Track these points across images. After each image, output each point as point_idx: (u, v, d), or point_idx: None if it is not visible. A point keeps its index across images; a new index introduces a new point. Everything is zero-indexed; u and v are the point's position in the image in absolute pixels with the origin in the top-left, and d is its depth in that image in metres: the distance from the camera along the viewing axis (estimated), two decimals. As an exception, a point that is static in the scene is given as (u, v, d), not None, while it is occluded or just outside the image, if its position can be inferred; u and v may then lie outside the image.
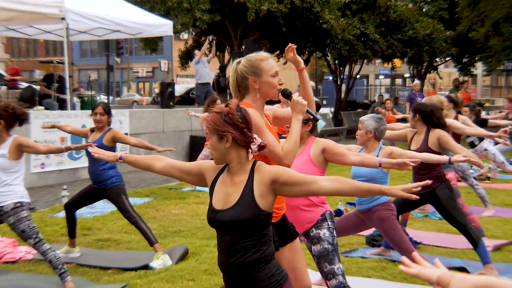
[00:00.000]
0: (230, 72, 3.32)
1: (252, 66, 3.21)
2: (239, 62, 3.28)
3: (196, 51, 16.24)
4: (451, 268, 5.29)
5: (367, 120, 4.81)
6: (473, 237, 5.17)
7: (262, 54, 3.30)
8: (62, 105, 12.07)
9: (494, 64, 19.00)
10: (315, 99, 3.63)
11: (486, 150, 8.26)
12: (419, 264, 1.68)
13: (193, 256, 5.94)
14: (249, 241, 2.63)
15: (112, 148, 5.70)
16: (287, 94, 3.31)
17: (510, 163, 10.41)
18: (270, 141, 3.08)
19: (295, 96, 3.25)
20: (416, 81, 18.23)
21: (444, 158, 4.62)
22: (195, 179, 2.90)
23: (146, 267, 5.52)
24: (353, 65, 25.15)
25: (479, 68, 28.83)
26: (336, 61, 24.89)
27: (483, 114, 10.22)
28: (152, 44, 20.87)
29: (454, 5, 20.71)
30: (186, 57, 22.91)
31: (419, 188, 2.62)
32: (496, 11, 17.47)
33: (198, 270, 5.41)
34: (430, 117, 5.25)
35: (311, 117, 3.37)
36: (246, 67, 3.22)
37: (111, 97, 33.47)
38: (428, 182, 2.77)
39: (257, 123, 3.07)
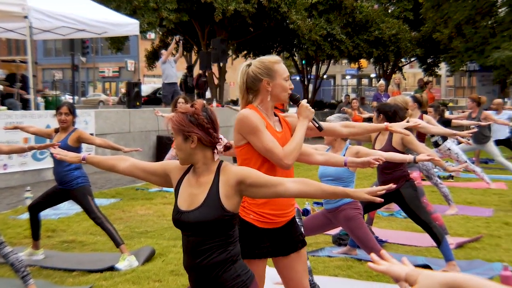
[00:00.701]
0: (239, 74, 3.25)
1: (266, 68, 3.19)
2: (249, 65, 3.25)
3: (163, 51, 16.14)
4: (416, 266, 5.36)
5: (334, 120, 4.84)
6: (437, 235, 5.24)
7: (275, 57, 3.28)
8: (25, 105, 11.84)
9: (457, 65, 19.33)
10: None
11: (449, 149, 8.41)
12: (387, 261, 1.70)
13: (159, 257, 5.90)
14: (215, 242, 2.62)
15: (77, 149, 5.62)
16: (295, 99, 3.31)
17: (473, 162, 10.62)
18: (268, 141, 3.07)
19: (304, 102, 3.27)
20: (382, 81, 18.45)
21: (409, 157, 4.68)
22: (160, 180, 2.88)
23: (111, 268, 5.46)
24: (320, 65, 25.32)
25: (443, 69, 29.30)
26: (303, 61, 25.02)
27: (447, 114, 10.40)
28: (118, 44, 20.67)
29: (418, 6, 21.03)
30: (153, 57, 22.78)
31: (383, 192, 2.66)
32: (459, 13, 17.80)
33: (165, 271, 5.38)
34: (394, 117, 5.31)
35: (316, 125, 3.36)
36: (260, 68, 3.19)
37: (76, 97, 33.04)
38: (392, 186, 2.80)
39: (255, 124, 3.07)
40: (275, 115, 3.32)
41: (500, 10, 18.64)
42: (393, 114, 5.34)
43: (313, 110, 3.26)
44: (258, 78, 3.18)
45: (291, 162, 3.12)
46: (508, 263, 5.25)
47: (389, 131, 3.68)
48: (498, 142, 11.00)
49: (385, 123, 3.76)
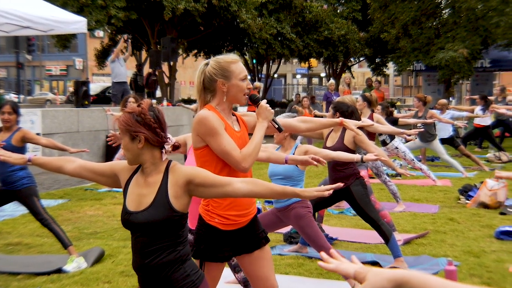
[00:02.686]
0: (196, 74, 3.20)
1: (221, 68, 3.13)
2: (207, 64, 3.18)
3: (115, 49, 15.93)
4: (365, 262, 5.46)
5: (283, 119, 4.87)
6: (385, 232, 5.34)
7: (231, 56, 3.21)
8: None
9: (404, 65, 19.72)
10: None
11: (396, 148, 8.58)
12: (336, 260, 1.73)
13: (109, 258, 5.82)
14: (164, 242, 2.61)
15: (22, 149, 5.48)
16: (255, 100, 3.25)
17: (419, 160, 10.87)
18: (226, 144, 3.03)
19: (263, 103, 3.22)
20: (331, 81, 18.68)
21: (356, 156, 4.75)
22: (108, 181, 2.84)
23: (59, 270, 5.35)
24: (270, 64, 25.44)
25: (390, 68, 29.88)
26: (254, 60, 25.09)
27: (395, 113, 10.61)
28: (65, 41, 20.24)
29: (366, 7, 21.37)
30: (103, 55, 22.42)
31: (331, 191, 2.70)
32: (405, 14, 18.15)
33: (115, 272, 5.31)
34: (350, 117, 5.37)
35: (276, 126, 3.31)
36: (215, 69, 3.13)
37: (21, 96, 32.21)
38: (340, 185, 2.85)
39: (213, 126, 3.02)
40: (233, 114, 3.28)
41: (444, 11, 19.13)
42: (350, 114, 5.41)
43: (272, 111, 3.22)
44: (213, 78, 3.13)
45: (249, 165, 3.08)
46: (453, 258, 5.42)
47: (343, 126, 3.69)
48: (442, 141, 11.30)
49: (340, 118, 3.77)
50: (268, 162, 4.34)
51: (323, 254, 1.78)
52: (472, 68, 17.91)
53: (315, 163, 3.75)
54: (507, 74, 32.15)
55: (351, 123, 3.71)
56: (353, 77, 32.51)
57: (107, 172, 2.81)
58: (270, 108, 3.21)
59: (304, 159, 3.83)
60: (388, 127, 7.11)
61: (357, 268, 1.64)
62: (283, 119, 3.67)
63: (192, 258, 3.00)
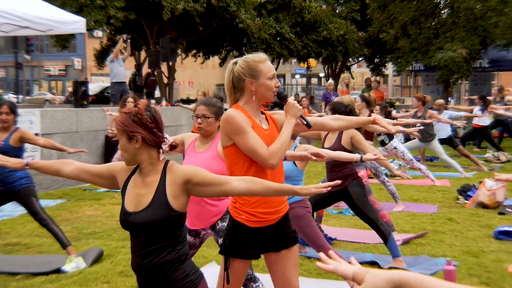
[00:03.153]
0: (226, 72, 3.21)
1: (249, 67, 3.14)
2: (235, 63, 3.19)
3: (114, 49, 15.95)
4: (363, 263, 5.46)
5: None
6: (384, 232, 5.35)
7: (260, 55, 3.21)
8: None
9: (403, 65, 19.71)
10: None
11: (395, 148, 8.58)
12: (335, 261, 1.73)
13: (108, 258, 5.81)
14: (163, 242, 2.61)
15: (20, 149, 5.48)
16: (282, 97, 3.25)
17: (418, 160, 10.88)
18: (252, 142, 3.04)
19: (291, 100, 3.22)
20: (330, 81, 18.70)
21: (356, 156, 4.76)
22: (107, 182, 2.84)
23: (58, 271, 5.35)
24: (269, 64, 25.43)
25: (389, 68, 29.88)
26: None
27: (394, 113, 10.62)
28: (64, 41, 20.23)
29: (365, 7, 21.37)
30: (102, 55, 22.41)
31: (329, 188, 2.71)
32: (404, 14, 18.15)
33: (113, 272, 5.30)
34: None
35: (305, 122, 3.28)
36: (243, 68, 3.14)
37: (20, 96, 32.19)
38: (338, 182, 2.87)
39: (240, 125, 3.04)
40: (262, 113, 3.28)
41: (442, 11, 19.14)
42: (348, 114, 5.41)
43: (300, 107, 3.21)
44: (242, 78, 3.14)
45: (276, 162, 3.07)
46: (451, 258, 5.42)
47: (376, 124, 3.57)
48: (441, 141, 11.30)
49: (373, 116, 3.68)
50: None
51: (321, 255, 1.78)
52: (471, 68, 17.91)
53: (314, 158, 3.76)
54: (505, 74, 32.15)
55: (383, 121, 3.61)
56: (353, 78, 32.53)
57: (105, 174, 2.81)
58: (298, 105, 3.20)
59: (303, 155, 3.86)
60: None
61: (355, 270, 1.65)
62: (314, 117, 3.60)
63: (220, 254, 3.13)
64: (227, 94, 3.25)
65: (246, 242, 3.19)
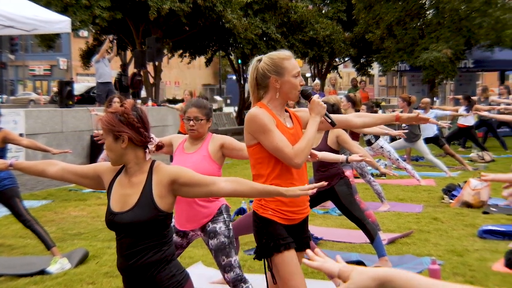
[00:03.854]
0: (249, 70, 3.16)
1: (274, 64, 3.09)
2: (259, 60, 3.15)
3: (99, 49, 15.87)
4: (349, 262, 5.47)
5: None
6: (370, 231, 5.36)
7: (285, 52, 3.16)
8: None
9: (388, 65, 19.80)
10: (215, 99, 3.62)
11: (382, 147, 8.62)
12: (321, 258, 1.74)
13: (93, 259, 5.78)
14: (149, 242, 2.61)
15: (3, 150, 5.44)
16: (307, 95, 3.20)
17: (404, 160, 10.94)
18: (277, 141, 2.99)
19: (316, 97, 3.17)
20: (317, 81, 18.75)
21: (341, 157, 4.78)
22: (92, 183, 2.82)
23: (42, 272, 5.31)
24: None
25: (375, 69, 30.01)
26: (239, 60, 25.08)
27: (380, 113, 10.67)
28: (49, 41, 20.08)
29: (351, 7, 21.44)
30: (88, 55, 22.28)
31: (315, 190, 2.70)
32: (390, 14, 18.24)
33: (99, 273, 5.28)
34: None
35: (329, 120, 3.23)
36: (268, 65, 3.10)
37: (4, 96, 31.93)
38: (324, 183, 2.86)
39: (264, 123, 3.00)
40: (286, 111, 3.24)
41: (428, 12, 19.25)
42: (335, 112, 5.43)
43: (325, 105, 3.17)
44: (266, 75, 3.10)
45: (302, 161, 3.04)
46: (436, 257, 5.45)
47: (398, 120, 3.48)
48: (427, 140, 11.38)
49: (395, 112, 3.61)
50: None
51: (308, 252, 1.79)
52: (456, 69, 18.04)
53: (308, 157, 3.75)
54: (490, 75, 32.44)
55: (405, 116, 3.51)
56: (341, 77, 32.63)
57: (90, 174, 2.80)
58: (322, 103, 3.15)
59: None
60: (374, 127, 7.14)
61: (341, 267, 1.65)
62: (338, 115, 3.56)
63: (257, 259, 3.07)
64: (250, 91, 3.21)
65: (281, 235, 3.11)
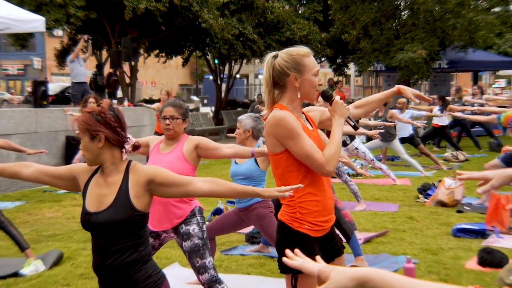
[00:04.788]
0: (264, 67, 2.89)
1: (294, 61, 2.84)
2: (275, 56, 2.89)
3: (75, 48, 15.70)
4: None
5: (245, 119, 4.90)
6: (346, 230, 5.40)
7: (304, 49, 2.91)
8: None
9: (364, 65, 19.96)
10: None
11: (357, 149, 8.67)
12: (301, 258, 1.74)
13: (68, 260, 5.73)
14: (125, 243, 2.59)
15: (-23, 150, 5.35)
16: (328, 96, 2.97)
17: (379, 160, 11.03)
18: (308, 147, 2.76)
19: (338, 99, 2.95)
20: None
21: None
22: (67, 184, 2.80)
23: (16, 274, 5.24)
24: (232, 64, 25.43)
25: (351, 69, 30.20)
26: (216, 61, 25.04)
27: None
28: (22, 41, 19.81)
29: (327, 8, 21.55)
30: (62, 55, 22.03)
31: (292, 192, 2.70)
32: (365, 15, 18.38)
33: (74, 275, 5.23)
34: None
35: (352, 123, 3.04)
36: (287, 62, 2.84)
37: (-23, 96, 31.41)
38: (301, 186, 2.82)
39: (293, 128, 2.76)
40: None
41: (403, 13, 19.44)
42: None
43: (348, 107, 2.98)
44: (285, 72, 2.84)
45: (333, 168, 2.82)
46: (411, 255, 5.51)
47: (400, 94, 3.29)
48: (402, 140, 11.48)
49: (397, 86, 3.36)
50: (235, 157, 4.39)
51: (287, 251, 1.79)
52: (431, 69, 18.25)
53: None
54: (463, 75, 32.87)
55: (408, 90, 3.28)
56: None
57: (66, 175, 2.77)
58: (345, 104, 2.96)
59: None
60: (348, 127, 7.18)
61: (320, 267, 1.66)
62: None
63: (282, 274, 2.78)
64: (265, 91, 2.93)
65: (312, 253, 2.72)
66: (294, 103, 2.90)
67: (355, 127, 3.09)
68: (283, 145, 2.81)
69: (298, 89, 2.87)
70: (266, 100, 2.94)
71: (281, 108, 2.84)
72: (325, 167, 2.78)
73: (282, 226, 2.92)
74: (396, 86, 3.32)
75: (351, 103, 3.46)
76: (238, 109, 24.57)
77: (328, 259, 2.95)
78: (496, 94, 25.24)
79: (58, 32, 26.84)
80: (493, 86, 37.68)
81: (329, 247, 3.00)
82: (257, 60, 36.30)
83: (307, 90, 2.89)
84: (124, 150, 2.67)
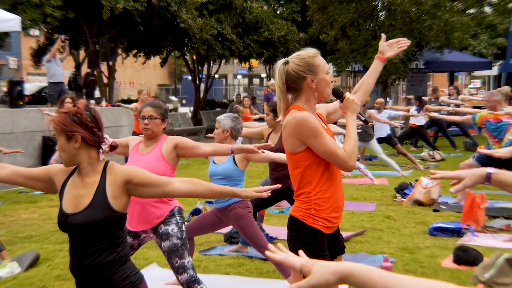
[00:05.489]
0: (276, 74, 2.94)
1: (308, 64, 2.92)
2: (286, 63, 2.95)
3: (52, 48, 15.54)
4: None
5: (224, 119, 4.90)
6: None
7: (312, 50, 2.99)
8: None
9: (342, 66, 20.07)
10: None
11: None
12: (284, 252, 1.75)
13: (45, 262, 5.67)
14: (103, 243, 2.59)
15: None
16: (339, 94, 3.04)
17: (357, 160, 11.09)
18: (330, 144, 2.86)
19: (349, 95, 3.04)
20: (272, 81, 18.81)
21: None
22: (44, 185, 2.77)
23: (-8, 277, 5.18)
24: (211, 64, 25.39)
25: (330, 69, 30.37)
26: (194, 56, 24.97)
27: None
28: (-2, 40, 19.57)
29: (306, 8, 21.63)
30: (39, 55, 21.80)
31: (269, 192, 2.73)
32: (343, 16, 18.48)
33: (50, 276, 5.18)
34: None
35: (363, 118, 3.13)
36: (301, 66, 2.91)
37: (-48, 96, 30.93)
38: (278, 186, 2.88)
39: (316, 127, 2.85)
40: None
41: (380, 14, 19.58)
42: None
43: (359, 102, 3.04)
44: (301, 76, 2.92)
45: (355, 163, 2.93)
46: (389, 254, 5.57)
47: (383, 59, 3.44)
48: (380, 140, 11.58)
49: (376, 56, 3.49)
50: (214, 155, 4.40)
51: (270, 246, 1.80)
52: (408, 69, 18.42)
53: (260, 152, 3.77)
54: (440, 75, 33.23)
55: (387, 50, 3.48)
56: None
57: (42, 177, 2.75)
58: (356, 100, 3.03)
59: (250, 148, 3.87)
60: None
61: (303, 261, 1.67)
62: (328, 104, 3.43)
63: None
64: (279, 98, 2.97)
65: (322, 249, 2.99)
66: (310, 103, 2.98)
67: (366, 121, 3.16)
68: (304, 144, 2.89)
69: (314, 90, 2.95)
70: (280, 106, 2.98)
71: (299, 109, 2.91)
72: (348, 162, 2.88)
73: (294, 222, 3.01)
74: (375, 57, 3.44)
75: (329, 103, 3.48)
76: (217, 109, 24.54)
77: (332, 256, 3.09)
78: (472, 95, 25.58)
79: (35, 31, 26.55)
80: (469, 86, 38.15)
81: (334, 244, 3.11)
82: (235, 60, 36.31)
83: (322, 89, 2.97)
84: (101, 151, 2.65)
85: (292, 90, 2.96)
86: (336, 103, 3.21)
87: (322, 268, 1.61)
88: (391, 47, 3.45)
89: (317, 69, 2.94)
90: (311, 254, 2.85)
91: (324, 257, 2.98)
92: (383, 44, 3.46)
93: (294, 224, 3.01)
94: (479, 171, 2.15)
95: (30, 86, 26.68)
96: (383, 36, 3.48)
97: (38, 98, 23.73)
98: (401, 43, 3.47)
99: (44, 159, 11.99)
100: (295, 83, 2.94)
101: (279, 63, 2.98)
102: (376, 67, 3.42)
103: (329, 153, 2.86)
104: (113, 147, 2.72)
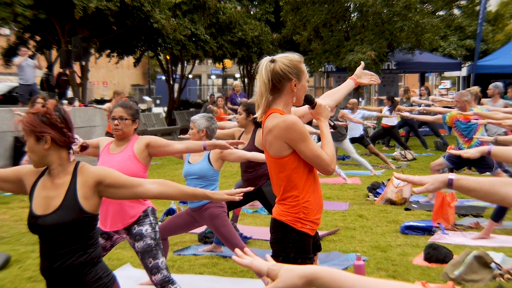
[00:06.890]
0: (262, 71, 2.90)
1: (295, 67, 2.92)
2: (272, 61, 2.91)
3: (23, 48, 15.34)
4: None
5: (199, 120, 4.91)
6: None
7: (297, 55, 2.99)
8: None
9: (315, 66, 20.17)
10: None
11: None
12: (250, 257, 1.77)
13: (16, 263, 5.62)
14: (74, 245, 2.57)
15: None
16: (311, 100, 3.05)
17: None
18: (316, 148, 2.86)
19: (320, 102, 3.06)
20: (237, 82, 18.86)
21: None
22: (13, 187, 2.74)
23: (-38, 279, 5.11)
24: (185, 65, 25.30)
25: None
26: (168, 60, 24.88)
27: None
28: (-32, 39, 19.22)
29: (279, 9, 21.70)
30: (9, 54, 21.46)
31: (241, 194, 2.76)
32: (316, 17, 18.58)
33: (22, 278, 5.13)
34: None
35: (332, 123, 3.13)
36: (290, 67, 2.90)
37: None
38: (250, 188, 2.91)
39: (304, 131, 2.85)
40: None
41: (352, 15, 19.74)
42: None
43: (329, 108, 3.08)
44: (288, 77, 2.90)
45: (335, 166, 2.97)
46: (361, 253, 5.63)
47: (357, 83, 3.51)
48: (353, 140, 11.68)
49: (350, 78, 3.57)
50: (187, 152, 4.42)
51: (237, 251, 1.82)
52: (379, 70, 18.58)
53: (231, 147, 3.80)
54: (411, 76, 33.63)
55: (364, 79, 3.58)
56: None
57: (12, 178, 2.72)
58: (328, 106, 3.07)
59: (223, 144, 3.90)
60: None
61: (269, 265, 1.68)
62: (298, 108, 3.42)
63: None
64: (262, 95, 2.92)
65: (308, 251, 3.03)
66: (288, 107, 2.97)
67: (334, 127, 3.18)
68: (291, 148, 2.88)
69: (294, 94, 2.95)
70: (261, 104, 2.93)
71: (280, 113, 2.90)
72: (331, 166, 2.91)
73: (281, 226, 2.99)
74: (350, 78, 3.53)
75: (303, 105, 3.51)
76: (191, 110, 24.47)
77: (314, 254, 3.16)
78: (442, 95, 25.94)
79: (5, 30, 26.17)
80: (439, 87, 38.65)
81: (313, 243, 3.13)
82: (209, 61, 36.20)
83: (300, 95, 2.98)
84: (71, 151, 2.64)
85: (273, 89, 2.92)
86: (305, 108, 3.25)
87: (288, 272, 1.63)
88: (365, 75, 3.59)
89: (301, 75, 2.95)
90: (298, 257, 2.94)
91: (310, 259, 3.02)
92: (360, 69, 3.59)
93: (281, 228, 3.00)
94: (441, 177, 2.20)
95: (1, 86, 26.27)
96: (362, 63, 3.68)
97: (9, 98, 23.36)
98: (374, 78, 3.61)
99: (15, 160, 11.83)
100: (279, 83, 2.91)
101: (265, 60, 2.95)
102: (347, 86, 3.55)
103: (316, 157, 2.87)
104: (83, 148, 2.70)
